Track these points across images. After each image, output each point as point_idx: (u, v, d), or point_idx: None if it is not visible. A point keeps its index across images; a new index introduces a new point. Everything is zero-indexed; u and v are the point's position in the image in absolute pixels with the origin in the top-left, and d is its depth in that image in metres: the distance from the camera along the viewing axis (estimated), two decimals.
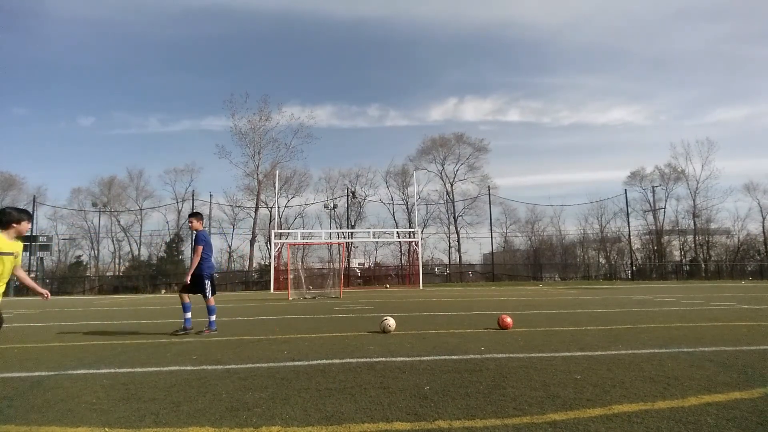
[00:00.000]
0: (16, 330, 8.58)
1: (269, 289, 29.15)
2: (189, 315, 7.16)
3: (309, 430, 2.68)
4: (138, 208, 47.95)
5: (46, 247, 36.60)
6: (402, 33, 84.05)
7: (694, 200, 46.85)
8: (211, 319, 7.21)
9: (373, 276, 40.65)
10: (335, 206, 44.65)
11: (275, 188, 36.35)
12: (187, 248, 43.94)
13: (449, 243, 46.78)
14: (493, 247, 43.28)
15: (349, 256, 40.30)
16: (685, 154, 47.79)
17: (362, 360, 4.72)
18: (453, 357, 4.80)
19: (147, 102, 78.15)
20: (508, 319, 7.07)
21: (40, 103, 74.41)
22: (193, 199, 41.26)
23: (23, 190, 46.01)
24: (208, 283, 7.23)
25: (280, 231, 33.92)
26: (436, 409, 3.01)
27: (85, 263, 46.42)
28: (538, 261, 46.86)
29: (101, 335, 7.38)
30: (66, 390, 3.69)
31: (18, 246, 4.18)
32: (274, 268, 29.93)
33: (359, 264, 45.84)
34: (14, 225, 4.09)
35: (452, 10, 79.98)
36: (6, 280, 4.02)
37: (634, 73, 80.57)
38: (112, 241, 47.88)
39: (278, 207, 39.33)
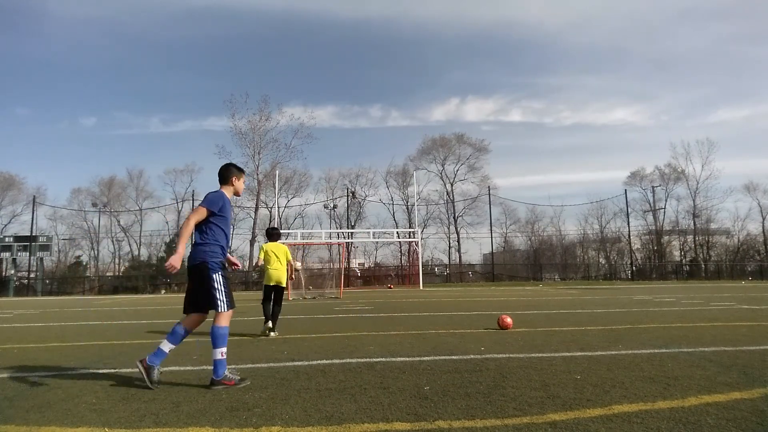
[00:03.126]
0: (16, 330, 8.58)
1: None
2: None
3: (309, 430, 2.67)
4: (138, 208, 48.01)
5: (45, 248, 36.59)
6: (405, 33, 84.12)
7: (694, 200, 46.94)
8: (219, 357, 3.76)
9: (374, 276, 40.65)
10: (335, 206, 44.69)
11: (275, 188, 36.37)
12: (187, 249, 43.82)
13: (449, 243, 46.85)
14: (493, 248, 43.35)
15: (349, 256, 40.30)
16: (685, 154, 47.91)
17: (362, 360, 4.72)
18: (453, 357, 4.80)
19: (148, 102, 78.37)
20: (508, 319, 7.07)
21: (42, 104, 74.64)
22: (193, 200, 41.28)
23: (23, 190, 46.19)
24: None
25: (280, 231, 33.90)
26: (436, 409, 3.01)
27: (84, 263, 46.48)
28: (538, 261, 46.85)
29: (101, 335, 7.38)
30: (66, 390, 3.68)
31: None
32: None
33: (359, 264, 45.86)
34: None
35: (455, 11, 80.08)
36: None
37: (636, 73, 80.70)
38: (112, 241, 47.98)
39: (278, 207, 39.33)
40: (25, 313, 13.18)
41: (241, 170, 4.18)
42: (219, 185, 4.10)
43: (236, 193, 4.16)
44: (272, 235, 7.68)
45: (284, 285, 7.33)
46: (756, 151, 75.48)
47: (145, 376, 3.71)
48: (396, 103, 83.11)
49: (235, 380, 3.71)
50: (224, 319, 3.79)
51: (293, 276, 7.82)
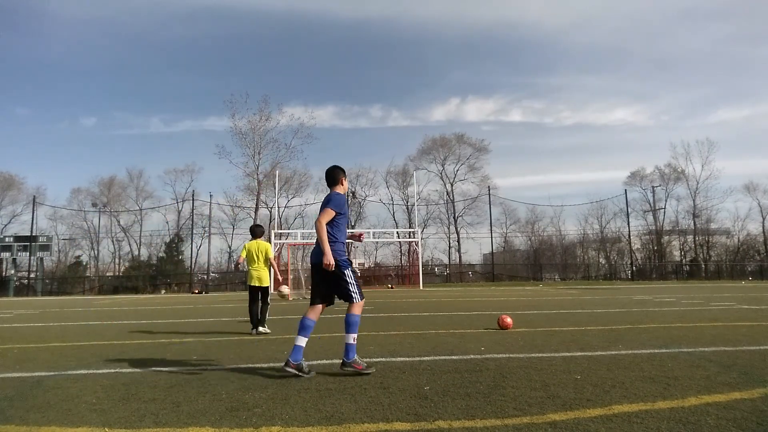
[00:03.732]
0: (16, 330, 8.59)
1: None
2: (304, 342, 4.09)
3: (309, 430, 2.67)
4: (138, 208, 48.02)
5: (45, 248, 36.56)
6: (405, 33, 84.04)
7: (694, 200, 46.92)
8: (351, 342, 4.11)
9: (374, 276, 40.63)
10: None
11: (275, 188, 36.34)
12: (187, 248, 43.86)
13: (449, 243, 46.83)
14: (493, 248, 43.32)
15: (349, 256, 40.26)
16: (685, 155, 47.89)
17: (362, 360, 4.70)
18: (453, 357, 4.80)
19: (148, 102, 78.40)
20: (508, 319, 7.07)
21: (42, 104, 74.67)
22: (193, 200, 41.28)
23: (23, 190, 46.16)
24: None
25: (280, 231, 33.88)
26: (436, 409, 3.01)
27: (84, 263, 46.49)
28: (538, 261, 46.83)
29: (101, 335, 7.38)
30: (66, 390, 3.68)
31: None
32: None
33: (359, 264, 45.83)
34: None
35: (455, 11, 80.00)
36: None
37: (636, 73, 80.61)
38: (112, 241, 47.97)
39: (278, 207, 39.33)
40: (25, 313, 13.19)
41: (344, 171, 4.45)
42: (329, 188, 4.36)
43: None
44: (255, 232, 7.75)
45: (266, 284, 7.47)
46: (756, 151, 75.61)
47: (300, 373, 3.95)
48: (396, 103, 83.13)
49: (363, 366, 4.05)
50: (357, 308, 4.19)
51: (279, 277, 8.02)
